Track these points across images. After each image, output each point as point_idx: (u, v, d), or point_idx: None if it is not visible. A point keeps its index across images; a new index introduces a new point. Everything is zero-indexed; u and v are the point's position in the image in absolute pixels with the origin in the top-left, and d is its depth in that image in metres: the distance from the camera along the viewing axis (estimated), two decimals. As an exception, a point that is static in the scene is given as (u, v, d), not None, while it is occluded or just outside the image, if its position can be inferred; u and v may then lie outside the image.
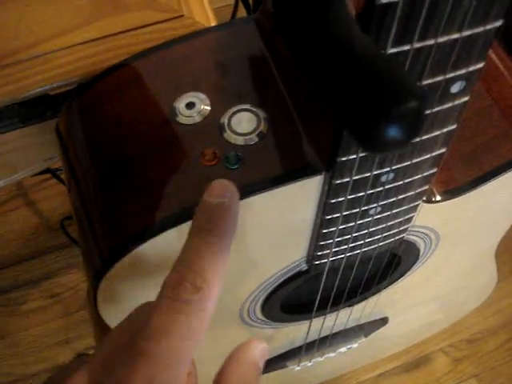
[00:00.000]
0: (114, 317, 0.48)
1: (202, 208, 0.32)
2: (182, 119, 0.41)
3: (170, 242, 0.40)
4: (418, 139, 0.36)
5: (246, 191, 0.38)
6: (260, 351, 0.34)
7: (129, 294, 0.45)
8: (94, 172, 0.44)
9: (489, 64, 0.52)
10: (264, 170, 0.39)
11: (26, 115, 0.63)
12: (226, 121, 0.40)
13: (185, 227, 0.39)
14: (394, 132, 0.20)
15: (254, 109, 0.41)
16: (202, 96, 0.41)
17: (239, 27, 0.45)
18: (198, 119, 0.41)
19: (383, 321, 0.81)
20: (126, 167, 0.42)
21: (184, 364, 0.30)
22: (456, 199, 0.49)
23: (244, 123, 0.40)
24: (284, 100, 0.41)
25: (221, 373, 0.33)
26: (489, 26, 0.30)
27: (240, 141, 0.40)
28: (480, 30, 0.30)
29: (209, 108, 0.41)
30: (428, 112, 0.34)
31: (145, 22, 0.58)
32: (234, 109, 0.41)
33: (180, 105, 0.41)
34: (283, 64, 0.42)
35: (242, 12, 0.86)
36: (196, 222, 0.32)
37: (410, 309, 0.83)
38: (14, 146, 0.65)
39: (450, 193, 0.49)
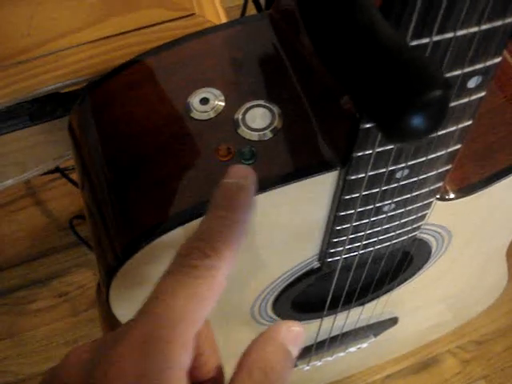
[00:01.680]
0: (126, 313, 0.48)
1: (219, 188, 0.33)
2: (196, 115, 0.41)
3: (183, 237, 0.39)
4: (434, 135, 0.36)
5: (260, 187, 0.38)
6: (293, 335, 0.32)
7: (142, 290, 0.45)
8: (106, 168, 0.44)
9: (502, 62, 0.52)
10: (278, 166, 0.39)
11: (37, 113, 0.63)
12: (240, 116, 0.40)
13: (198, 223, 0.39)
14: (418, 121, 0.20)
15: (268, 104, 0.40)
16: (216, 92, 0.41)
17: (253, 23, 0.45)
18: (212, 115, 0.41)
19: (393, 321, 0.81)
20: (139, 163, 0.42)
21: (188, 324, 0.29)
22: (469, 197, 0.49)
23: (258, 119, 0.40)
24: (298, 96, 0.41)
25: (243, 355, 0.31)
26: (508, 20, 0.30)
27: (254, 136, 0.39)
28: (499, 23, 0.30)
29: (223, 104, 0.41)
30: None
31: (156, 21, 0.58)
32: (249, 104, 0.41)
33: (194, 100, 0.41)
34: (297, 60, 0.42)
35: (251, 12, 0.86)
36: (213, 200, 0.32)
37: (420, 309, 0.83)
38: (23, 144, 0.65)
39: (464, 191, 0.49)
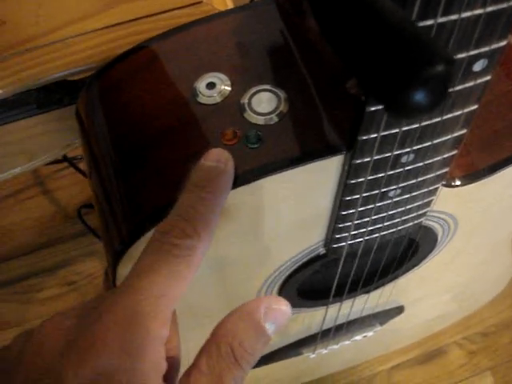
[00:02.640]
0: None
1: (197, 169, 0.34)
2: (202, 99, 0.41)
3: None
4: (439, 118, 0.36)
5: (266, 170, 0.38)
6: (273, 312, 0.32)
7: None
8: (113, 153, 0.44)
9: (509, 49, 0.52)
10: (284, 150, 0.39)
11: (44, 101, 0.63)
12: (246, 101, 0.40)
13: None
14: (420, 96, 0.20)
15: (274, 89, 0.41)
16: (223, 76, 0.42)
17: (260, 9, 0.45)
18: (218, 99, 0.41)
19: (399, 309, 0.81)
20: (145, 147, 0.42)
21: (168, 300, 0.30)
22: (475, 184, 0.49)
23: (264, 103, 0.40)
24: (304, 80, 0.41)
25: (218, 325, 0.32)
26: (513, 2, 0.30)
27: (260, 120, 0.40)
28: (504, 5, 0.30)
29: (229, 88, 0.41)
30: (450, 90, 0.34)
31: (163, 8, 0.58)
32: (255, 89, 0.41)
33: (200, 85, 0.41)
34: (304, 45, 0.42)
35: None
36: (191, 179, 0.34)
37: (426, 298, 0.83)
38: (31, 132, 0.65)
39: (470, 177, 0.49)
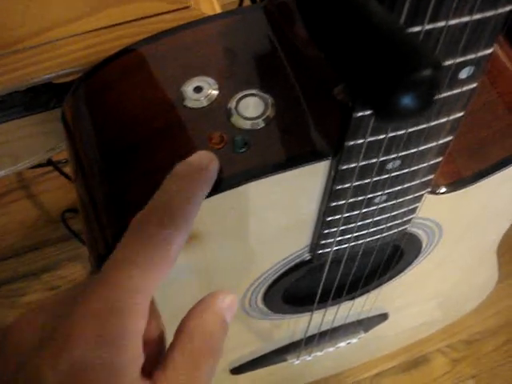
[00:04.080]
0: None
1: (180, 164, 0.34)
2: (189, 103, 0.41)
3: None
4: (425, 125, 0.37)
5: (252, 175, 0.38)
6: (227, 304, 0.33)
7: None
8: (99, 156, 0.44)
9: (494, 58, 0.52)
10: (270, 155, 0.39)
11: (31, 103, 0.63)
12: (233, 105, 0.40)
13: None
14: (408, 100, 0.20)
15: (261, 94, 0.41)
16: (210, 80, 0.42)
17: (248, 14, 0.45)
18: (205, 103, 0.41)
19: (383, 316, 0.81)
20: (132, 152, 0.42)
21: (144, 293, 0.30)
22: (460, 191, 0.50)
23: (251, 108, 0.40)
24: (292, 86, 0.41)
25: (182, 322, 0.33)
26: (500, 10, 0.30)
27: (247, 125, 0.40)
28: (491, 14, 0.30)
29: (217, 92, 0.41)
30: (436, 97, 0.34)
31: (152, 12, 0.58)
32: (242, 93, 0.41)
33: (188, 89, 0.41)
34: (291, 50, 0.42)
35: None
36: (172, 172, 0.34)
37: (410, 305, 0.83)
38: (17, 135, 0.65)
39: (455, 185, 0.49)
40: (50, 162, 1.10)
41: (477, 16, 0.29)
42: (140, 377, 0.30)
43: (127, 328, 0.29)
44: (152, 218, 0.31)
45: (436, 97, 0.21)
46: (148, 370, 0.31)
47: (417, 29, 0.28)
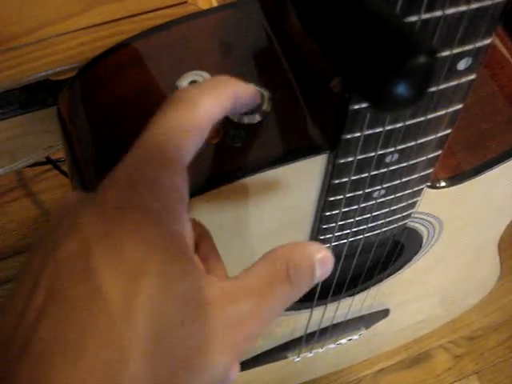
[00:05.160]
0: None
1: None
2: (184, 98, 0.41)
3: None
4: (423, 118, 0.36)
5: (249, 169, 0.38)
6: (321, 256, 0.29)
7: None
8: (95, 153, 0.44)
9: (493, 51, 0.52)
10: (267, 149, 0.38)
11: (27, 101, 0.63)
12: (229, 99, 0.40)
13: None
14: (402, 88, 0.20)
15: (258, 88, 0.40)
16: (206, 75, 0.41)
17: (244, 8, 0.44)
18: (201, 98, 0.40)
19: (384, 313, 0.80)
20: (127, 147, 0.42)
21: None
22: (460, 185, 0.49)
23: (248, 102, 0.40)
24: (288, 79, 0.41)
25: (269, 251, 0.30)
26: (497, 0, 0.29)
27: (243, 119, 0.39)
28: (488, 3, 0.29)
29: (212, 86, 0.41)
30: (434, 89, 0.34)
31: (147, 8, 0.58)
32: (238, 87, 0.40)
33: (183, 83, 0.41)
34: (287, 44, 0.42)
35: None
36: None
37: (411, 301, 0.83)
38: (14, 133, 0.65)
39: (455, 179, 0.49)
40: (49, 161, 1.10)
41: (474, 5, 0.29)
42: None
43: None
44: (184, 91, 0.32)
45: (431, 85, 0.20)
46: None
47: (413, 18, 0.28)
